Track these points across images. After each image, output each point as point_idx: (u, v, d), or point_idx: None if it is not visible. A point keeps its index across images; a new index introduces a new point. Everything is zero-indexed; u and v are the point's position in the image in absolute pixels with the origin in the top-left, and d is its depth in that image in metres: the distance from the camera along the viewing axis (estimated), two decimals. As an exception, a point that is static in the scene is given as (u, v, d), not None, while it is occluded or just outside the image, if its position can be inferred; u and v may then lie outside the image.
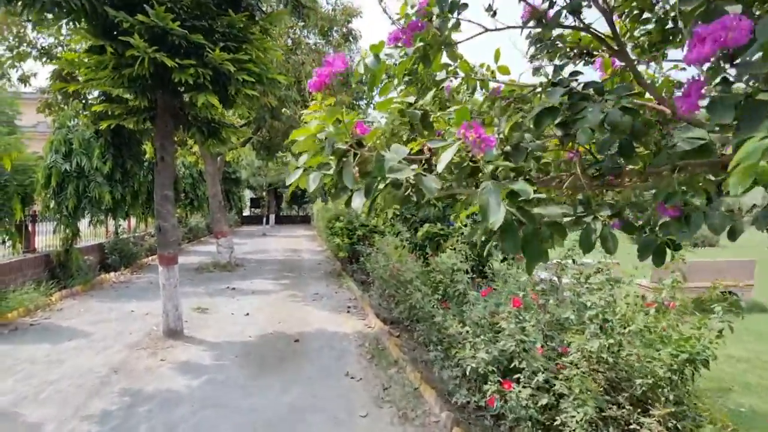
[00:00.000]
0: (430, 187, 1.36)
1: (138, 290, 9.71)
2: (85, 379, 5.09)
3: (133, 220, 13.57)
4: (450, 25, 2.28)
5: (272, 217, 30.18)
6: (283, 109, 11.97)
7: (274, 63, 7.39)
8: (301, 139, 1.48)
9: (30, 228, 9.67)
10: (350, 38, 13.31)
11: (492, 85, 2.89)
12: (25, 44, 10.57)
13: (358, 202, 1.39)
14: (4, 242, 7.38)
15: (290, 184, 1.55)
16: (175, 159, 12.57)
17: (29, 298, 8.03)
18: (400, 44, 2.52)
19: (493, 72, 2.87)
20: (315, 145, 1.53)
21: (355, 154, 1.48)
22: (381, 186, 1.45)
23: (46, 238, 9.84)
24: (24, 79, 11.02)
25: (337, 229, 11.33)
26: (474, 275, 6.26)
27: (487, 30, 2.08)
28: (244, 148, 13.95)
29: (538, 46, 2.22)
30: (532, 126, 1.64)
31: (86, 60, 6.62)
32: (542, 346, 3.36)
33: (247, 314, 8.07)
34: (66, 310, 8.08)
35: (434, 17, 2.31)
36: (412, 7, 2.32)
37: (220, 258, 12.41)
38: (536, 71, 2.27)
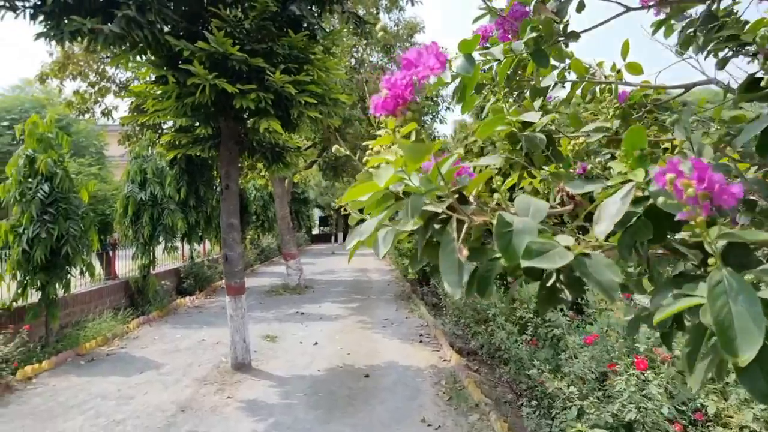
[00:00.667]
0: (607, 281, 0.75)
1: (210, 316, 9.70)
2: (152, 419, 4.90)
3: (207, 244, 13.83)
4: (574, 5, 1.78)
5: (340, 235, 30.25)
6: (348, 129, 11.76)
7: (336, 83, 7.12)
8: (365, 197, 1.02)
9: (111, 256, 9.97)
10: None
11: (623, 89, 2.34)
12: (105, 80, 11.06)
13: (455, 282, 0.88)
14: (83, 272, 7.53)
15: (351, 247, 1.10)
16: (244, 184, 12.71)
17: (107, 326, 8.16)
18: (493, 39, 2.04)
19: (619, 72, 2.32)
20: (386, 200, 1.07)
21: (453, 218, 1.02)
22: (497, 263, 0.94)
23: (127, 264, 10.11)
24: (106, 113, 11.53)
25: (405, 250, 10.87)
26: (569, 310, 5.57)
27: (628, 9, 1.56)
28: (311, 169, 13.92)
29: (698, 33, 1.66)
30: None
31: (153, 91, 6.65)
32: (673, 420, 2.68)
33: (316, 343, 7.76)
34: (141, 338, 8.13)
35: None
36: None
37: (290, 280, 12.30)
38: (722, 64, 1.71)
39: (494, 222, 1.04)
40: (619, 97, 2.52)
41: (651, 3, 2.47)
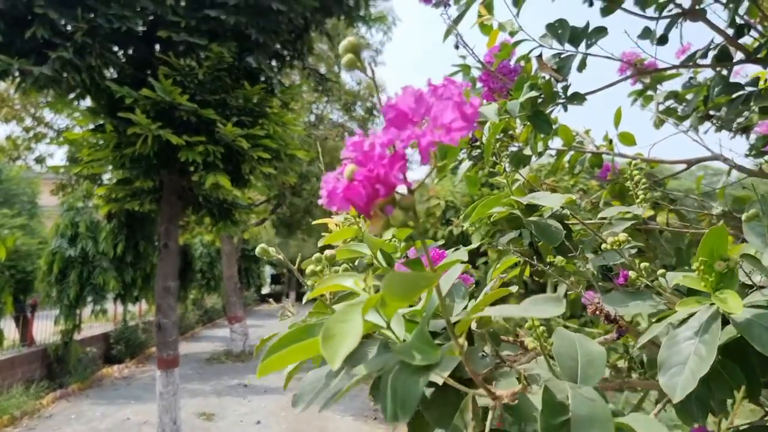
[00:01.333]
0: None
1: (139, 389, 8.66)
2: None
3: (144, 304, 12.74)
4: (575, 63, 1.42)
5: (293, 294, 29.07)
6: (305, 185, 11.33)
7: (294, 138, 6.72)
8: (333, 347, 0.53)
9: (29, 319, 8.89)
10: (374, 112, 12.86)
11: (612, 160, 1.98)
12: (42, 125, 10.31)
13: None
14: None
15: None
16: (190, 240, 11.93)
17: (16, 403, 7.07)
18: (480, 94, 1.65)
19: (611, 142, 1.97)
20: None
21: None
22: None
23: (49, 327, 9.02)
24: (39, 161, 10.69)
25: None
26: None
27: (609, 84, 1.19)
28: (263, 226, 13.29)
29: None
30: None
31: (90, 139, 6.05)
32: None
33: (258, 422, 6.93)
34: (55, 417, 7.06)
35: (540, 54, 1.46)
36: (512, 33, 1.47)
37: (234, 346, 11.35)
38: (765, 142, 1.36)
39: (536, 398, 0.61)
40: (605, 170, 2.18)
41: (628, 74, 2.20)
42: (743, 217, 1.05)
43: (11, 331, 8.59)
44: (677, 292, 1.14)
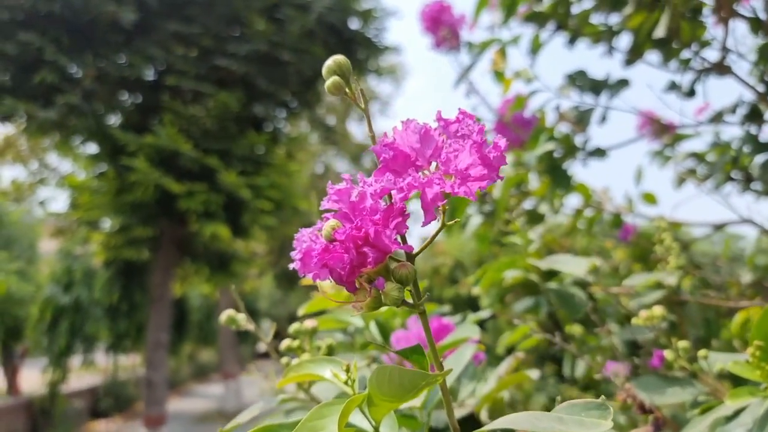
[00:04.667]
0: None
1: (125, 446, 8.21)
2: None
3: (136, 356, 12.35)
4: (596, 116, 1.31)
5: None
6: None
7: (298, 189, 6.66)
8: None
9: (15, 368, 8.58)
10: (381, 165, 12.82)
11: (631, 221, 1.84)
12: (47, 170, 10.35)
13: None
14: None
15: None
16: (187, 291, 11.71)
17: (-7, 458, 6.68)
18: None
19: (631, 202, 1.84)
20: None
21: None
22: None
23: (36, 377, 8.67)
24: (42, 205, 10.65)
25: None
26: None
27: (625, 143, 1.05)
28: (262, 278, 13.07)
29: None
30: None
31: (91, 185, 6.01)
32: None
33: (247, 489, 6.47)
34: (32, 476, 6.64)
35: (558, 106, 1.35)
36: (528, 81, 1.37)
37: (227, 404, 10.87)
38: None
39: None
40: (626, 232, 2.04)
41: (646, 132, 2.11)
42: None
43: (-3, 382, 8.27)
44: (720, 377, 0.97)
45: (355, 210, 0.39)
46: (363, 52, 5.90)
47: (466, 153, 0.34)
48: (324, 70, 0.39)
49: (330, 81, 0.39)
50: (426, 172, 0.39)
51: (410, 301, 0.40)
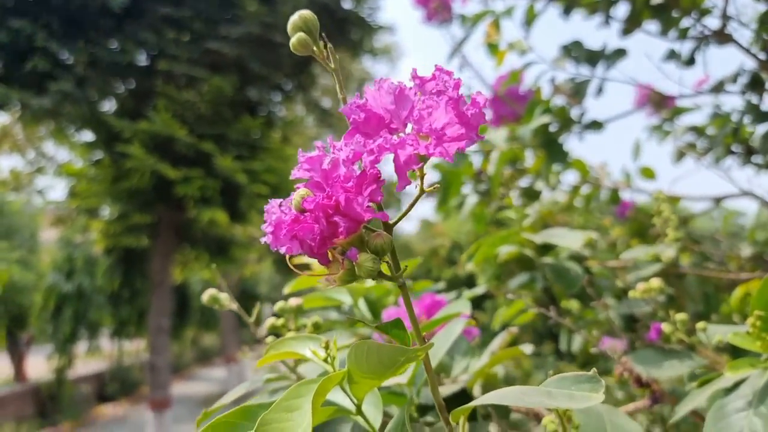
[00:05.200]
0: None
1: (133, 429, 8.29)
2: None
3: (140, 342, 12.45)
4: (592, 88, 1.28)
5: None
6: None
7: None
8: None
9: (21, 355, 8.65)
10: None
11: (628, 197, 1.82)
12: (44, 159, 10.31)
13: None
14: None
15: None
16: (188, 277, 11.74)
17: (1, 445, 6.77)
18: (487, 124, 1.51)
19: (629, 177, 1.81)
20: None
21: None
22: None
23: (42, 363, 8.76)
24: (41, 194, 10.63)
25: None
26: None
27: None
28: (262, 263, 13.07)
29: None
30: None
31: (88, 173, 5.98)
32: None
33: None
34: (41, 461, 6.74)
35: (553, 78, 1.32)
36: (522, 53, 1.33)
37: (230, 387, 10.98)
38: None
39: None
40: (624, 207, 2.02)
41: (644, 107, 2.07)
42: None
43: (5, 367, 8.35)
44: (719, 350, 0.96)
45: (327, 178, 0.36)
46: (357, 32, 5.81)
47: (441, 110, 0.32)
48: (289, 27, 0.36)
49: (295, 38, 0.36)
50: (402, 134, 0.36)
51: (388, 273, 0.38)
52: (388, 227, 0.38)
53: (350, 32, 5.74)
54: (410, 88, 0.36)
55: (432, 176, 1.64)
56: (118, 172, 5.37)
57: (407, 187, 0.35)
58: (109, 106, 5.78)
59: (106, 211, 7.77)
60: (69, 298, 8.43)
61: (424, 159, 0.33)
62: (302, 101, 6.79)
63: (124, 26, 5.23)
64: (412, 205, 0.37)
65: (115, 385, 10.20)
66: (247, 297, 15.50)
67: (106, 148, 5.51)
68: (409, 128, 0.36)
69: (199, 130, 5.36)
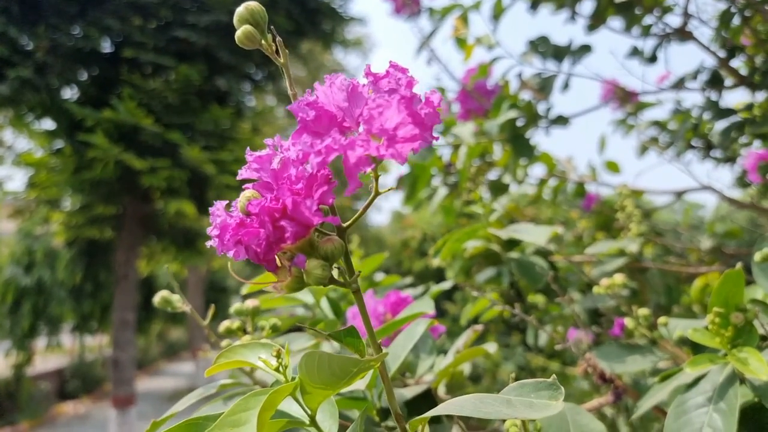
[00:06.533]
0: None
1: (94, 427, 8.10)
2: None
3: (103, 337, 12.14)
4: (558, 83, 1.28)
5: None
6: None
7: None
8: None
9: (-23, 352, 8.33)
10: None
11: (594, 190, 1.84)
12: (2, 148, 9.90)
13: None
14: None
15: None
16: (155, 269, 11.49)
17: (-44, 444, 6.52)
18: (449, 119, 1.49)
19: (594, 171, 1.83)
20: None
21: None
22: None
23: (2, 359, 8.45)
24: (-1, 184, 10.21)
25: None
26: None
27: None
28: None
29: None
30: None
31: (49, 163, 5.76)
32: None
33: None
34: (-1, 460, 6.52)
35: (520, 73, 1.31)
36: (490, 47, 1.32)
37: (198, 381, 10.84)
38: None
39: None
40: (589, 200, 2.05)
41: (610, 101, 2.10)
42: (756, 257, 0.89)
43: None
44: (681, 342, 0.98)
45: (277, 179, 0.34)
46: (328, 23, 5.73)
47: (393, 110, 0.30)
48: (235, 19, 0.34)
49: (241, 30, 0.33)
50: (354, 134, 0.35)
51: (340, 280, 0.36)
52: (341, 231, 0.36)
53: (321, 23, 5.66)
54: (364, 86, 0.34)
55: (401, 170, 1.62)
56: (81, 161, 5.19)
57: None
58: (71, 93, 5.57)
59: (68, 202, 7.52)
60: (28, 292, 8.15)
61: (375, 161, 0.31)
62: (273, 91, 6.68)
63: (87, 12, 5.04)
64: (365, 209, 0.35)
65: (76, 382, 9.93)
66: (216, 290, 15.27)
67: (67, 137, 5.32)
68: (362, 128, 0.34)
69: (166, 119, 5.22)
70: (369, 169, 0.32)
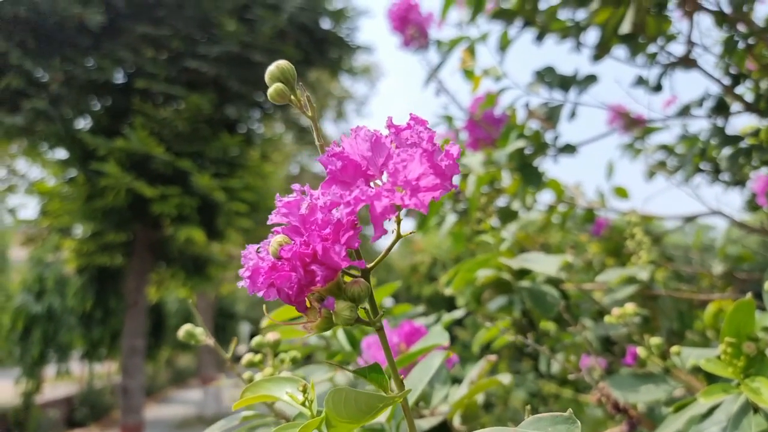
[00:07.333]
0: None
1: (103, 456, 8.04)
2: None
3: (112, 364, 12.10)
4: (565, 112, 1.31)
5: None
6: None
7: (274, 190, 6.59)
8: None
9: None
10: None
11: (603, 216, 1.85)
12: (15, 177, 10.06)
13: None
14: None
15: None
16: (164, 295, 11.53)
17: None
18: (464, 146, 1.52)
19: (603, 197, 1.85)
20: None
21: None
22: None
23: (9, 387, 8.42)
24: (12, 212, 10.35)
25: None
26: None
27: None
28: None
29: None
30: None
31: (61, 191, 5.85)
32: None
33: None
34: (6, 491, 6.45)
35: (527, 103, 1.34)
36: (497, 78, 1.36)
37: (207, 410, 10.72)
38: None
39: None
40: (599, 226, 2.05)
41: (616, 127, 2.12)
42: (766, 285, 0.89)
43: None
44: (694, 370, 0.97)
45: (305, 223, 0.36)
46: (335, 51, 5.85)
47: (416, 162, 0.32)
48: (267, 77, 0.36)
49: (272, 88, 0.36)
50: (378, 182, 0.37)
51: (365, 318, 0.38)
52: (365, 274, 0.38)
53: (329, 51, 5.77)
54: (386, 136, 0.36)
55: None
56: (93, 190, 5.27)
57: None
58: (84, 123, 5.69)
59: (79, 230, 7.60)
60: (38, 320, 8.17)
61: (399, 209, 0.34)
62: (281, 119, 6.79)
63: (101, 44, 5.18)
64: (387, 251, 0.37)
65: (84, 410, 9.87)
66: (224, 316, 15.23)
67: (80, 166, 5.41)
68: (385, 176, 0.36)
69: (177, 147, 5.31)
70: (392, 216, 0.34)
